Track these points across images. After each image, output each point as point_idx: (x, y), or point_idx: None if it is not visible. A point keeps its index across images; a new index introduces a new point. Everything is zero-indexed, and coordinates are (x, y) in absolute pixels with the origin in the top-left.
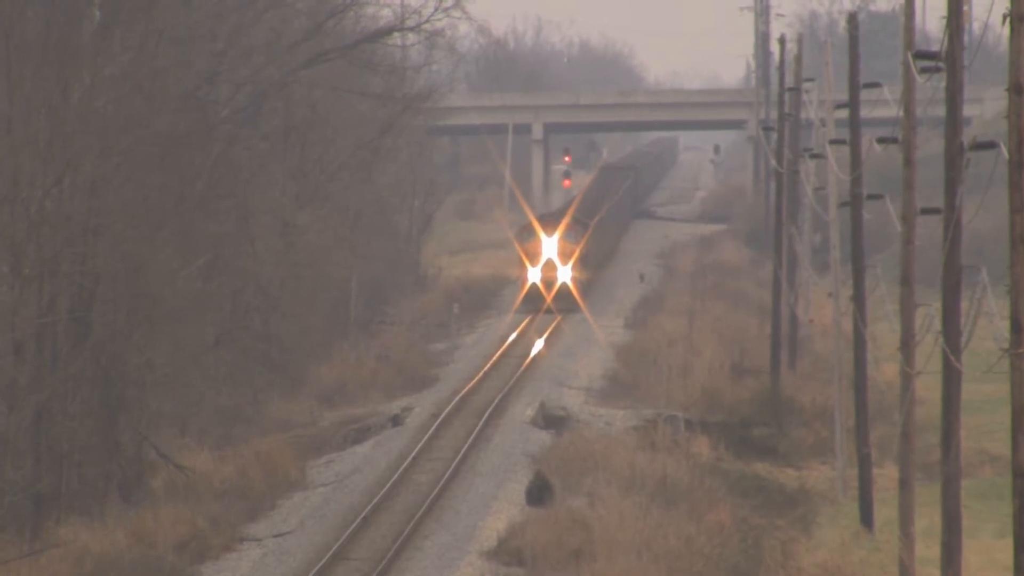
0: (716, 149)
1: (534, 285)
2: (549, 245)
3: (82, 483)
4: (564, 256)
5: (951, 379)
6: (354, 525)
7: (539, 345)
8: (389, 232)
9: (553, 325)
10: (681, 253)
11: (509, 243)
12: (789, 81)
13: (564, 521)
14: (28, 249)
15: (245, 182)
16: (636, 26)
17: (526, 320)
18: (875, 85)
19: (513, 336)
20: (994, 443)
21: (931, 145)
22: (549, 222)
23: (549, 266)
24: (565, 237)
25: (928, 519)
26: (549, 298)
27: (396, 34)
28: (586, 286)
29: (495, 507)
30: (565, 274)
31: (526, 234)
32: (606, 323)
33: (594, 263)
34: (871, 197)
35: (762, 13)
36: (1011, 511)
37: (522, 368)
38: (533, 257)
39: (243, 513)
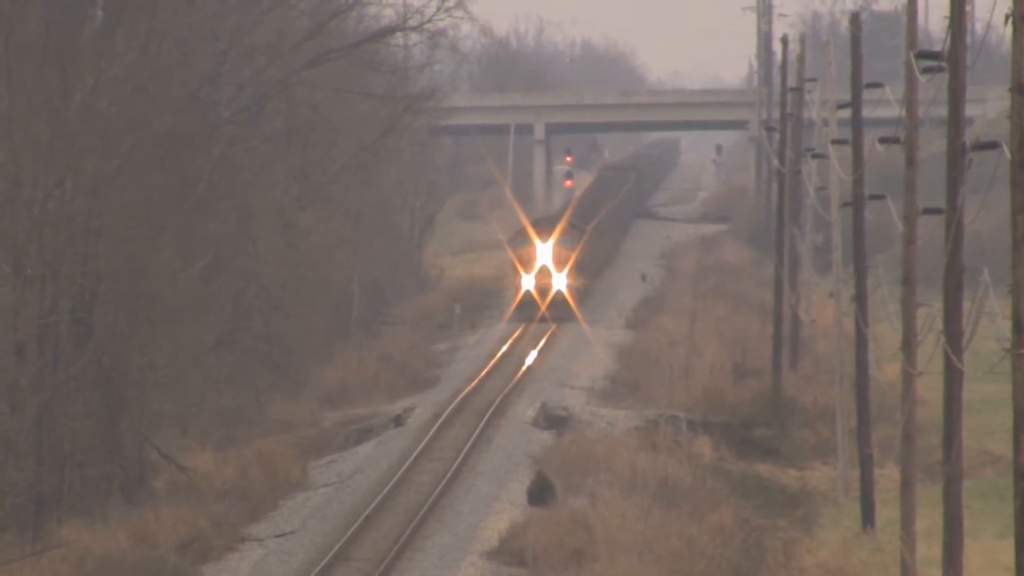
0: (718, 149)
1: (528, 293)
2: (543, 251)
3: (84, 484)
4: (559, 263)
5: (953, 379)
6: (356, 525)
7: (533, 356)
8: (391, 233)
9: (548, 334)
10: (683, 253)
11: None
12: (791, 81)
13: (565, 522)
14: (30, 250)
15: (247, 183)
16: (638, 26)
17: (519, 329)
18: (877, 85)
19: (513, 338)
20: (996, 443)
21: (933, 145)
22: (544, 227)
23: (543, 273)
24: (560, 243)
25: (930, 519)
26: (543, 306)
27: (398, 34)
28: (583, 293)
29: (496, 507)
30: (560, 281)
31: (520, 240)
32: (604, 332)
33: (591, 269)
34: (873, 197)
35: (764, 13)
36: (1012, 512)
37: (523, 368)
38: (527, 264)
39: (245, 513)
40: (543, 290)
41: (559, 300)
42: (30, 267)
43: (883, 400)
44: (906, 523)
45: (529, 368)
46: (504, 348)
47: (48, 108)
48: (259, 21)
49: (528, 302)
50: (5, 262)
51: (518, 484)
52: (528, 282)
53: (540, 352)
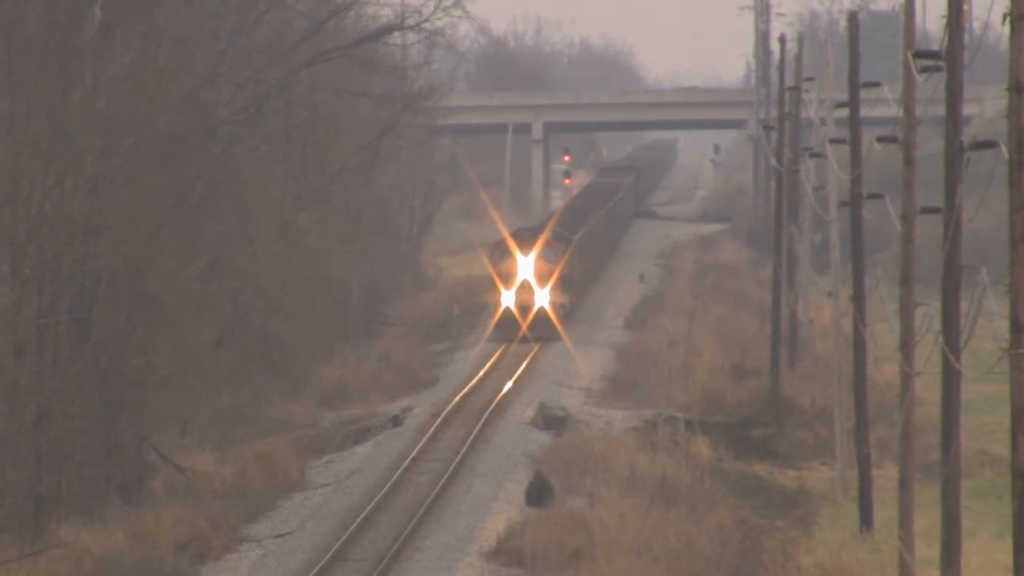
0: (716, 149)
1: (508, 310)
2: (525, 265)
3: (83, 484)
4: (542, 278)
5: (951, 379)
6: (354, 526)
7: (513, 378)
8: (390, 232)
9: (532, 354)
10: (681, 253)
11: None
12: (789, 80)
13: (564, 522)
14: (29, 250)
15: (246, 183)
16: (636, 25)
17: (501, 348)
18: (875, 84)
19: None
20: (994, 443)
21: (931, 144)
22: (525, 239)
23: (525, 289)
24: (543, 256)
25: (928, 519)
26: (525, 325)
27: (396, 33)
28: (568, 310)
29: (495, 508)
30: (543, 298)
31: (499, 252)
32: (601, 335)
33: (578, 284)
34: (871, 196)
35: (762, 12)
36: (1011, 511)
37: (522, 368)
38: (507, 279)
39: (243, 514)
40: (524, 307)
41: (542, 318)
42: (29, 267)
43: (881, 400)
44: (904, 523)
45: (528, 366)
46: (502, 348)
47: (47, 107)
48: (258, 21)
49: (508, 320)
50: (4, 262)
51: (516, 484)
52: (508, 299)
53: (531, 358)
